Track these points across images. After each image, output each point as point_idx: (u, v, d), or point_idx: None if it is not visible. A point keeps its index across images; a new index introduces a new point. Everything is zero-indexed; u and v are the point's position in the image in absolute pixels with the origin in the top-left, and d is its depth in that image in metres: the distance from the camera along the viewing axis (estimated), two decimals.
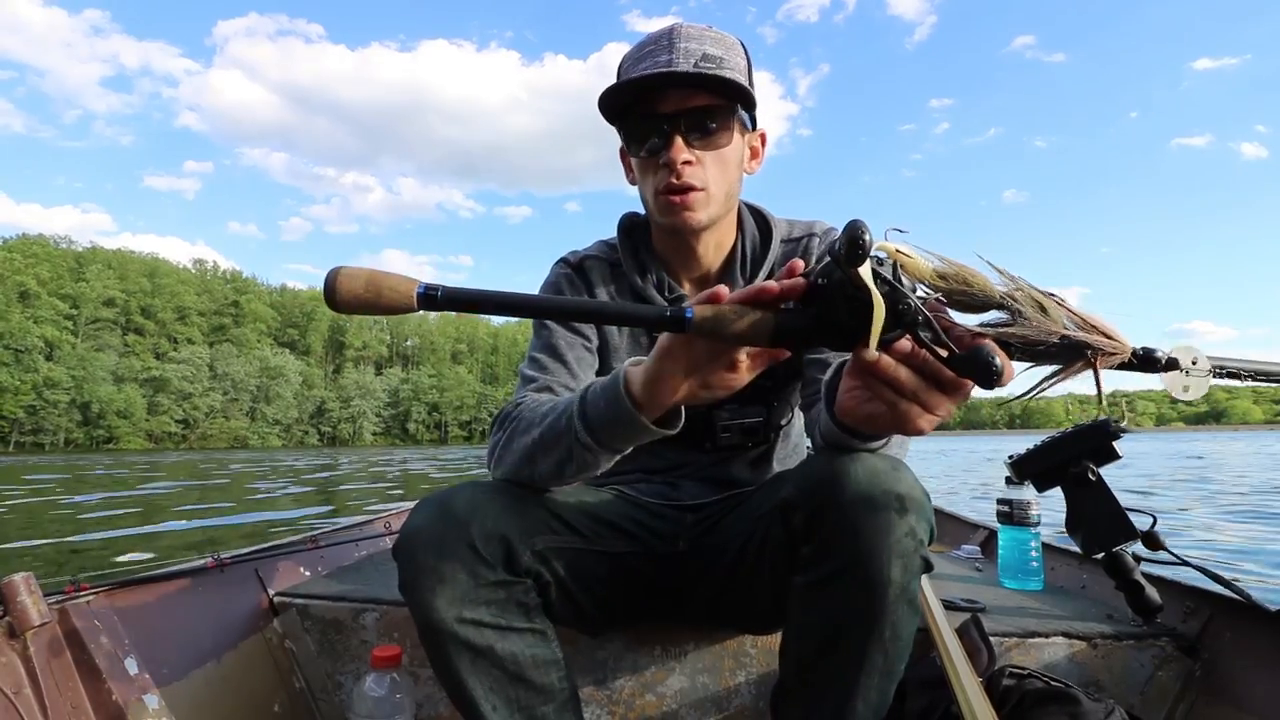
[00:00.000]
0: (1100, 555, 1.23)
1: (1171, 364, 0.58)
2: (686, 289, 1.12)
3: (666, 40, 0.95)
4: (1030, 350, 0.55)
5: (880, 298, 0.53)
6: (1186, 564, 1.22)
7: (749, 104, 0.99)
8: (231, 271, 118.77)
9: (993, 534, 1.82)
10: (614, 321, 0.63)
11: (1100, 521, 1.23)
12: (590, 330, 1.12)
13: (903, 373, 0.57)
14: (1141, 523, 1.22)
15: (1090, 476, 1.24)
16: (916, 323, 0.55)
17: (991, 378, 0.52)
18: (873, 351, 0.55)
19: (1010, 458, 1.35)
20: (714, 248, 1.10)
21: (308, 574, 1.45)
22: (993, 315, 0.57)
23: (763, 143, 1.09)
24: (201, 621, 1.18)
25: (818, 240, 1.13)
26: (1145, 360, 0.57)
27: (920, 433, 0.59)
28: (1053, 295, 0.56)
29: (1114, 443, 1.24)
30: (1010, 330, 0.55)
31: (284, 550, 1.43)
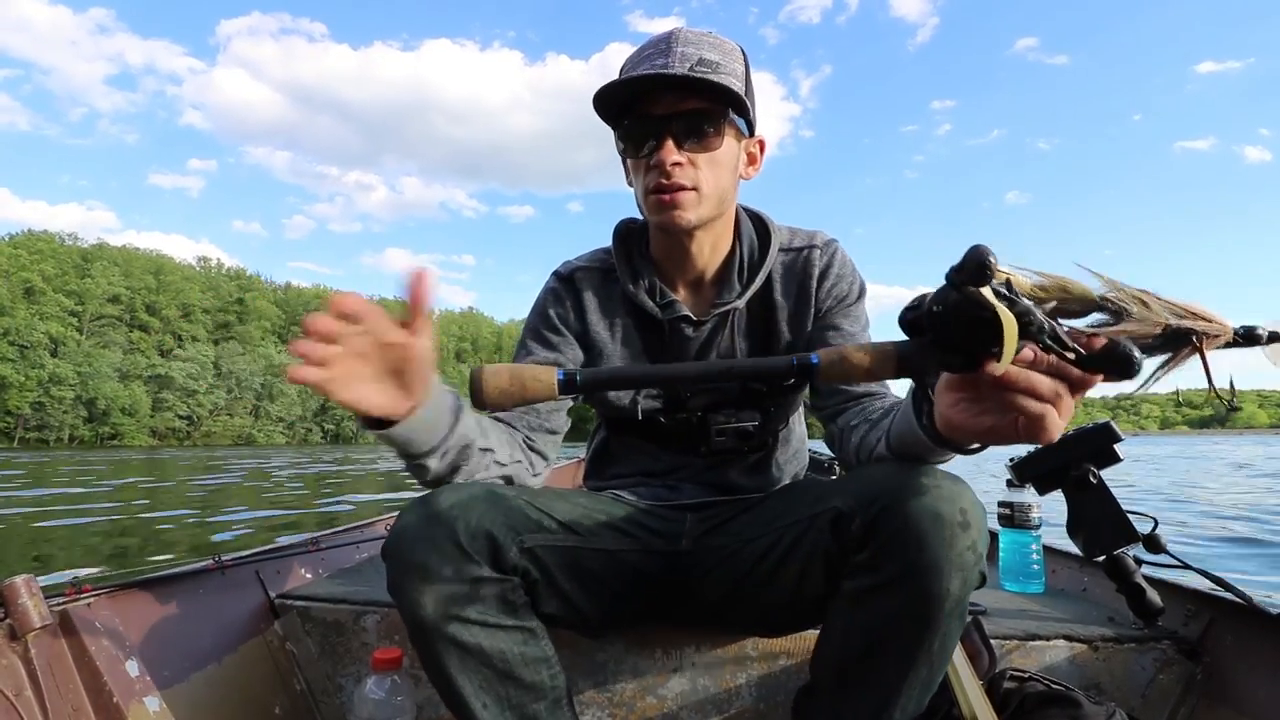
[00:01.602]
0: (1101, 558, 1.23)
1: (1274, 338, 0.60)
2: (681, 293, 1.13)
3: (665, 44, 0.97)
4: (1139, 344, 0.57)
5: (1009, 315, 0.55)
6: (1188, 567, 1.22)
7: (743, 110, 0.99)
8: (236, 269, 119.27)
9: (994, 536, 1.81)
10: (747, 378, 0.71)
11: (1101, 524, 1.22)
12: (568, 347, 1.14)
13: (1038, 379, 0.58)
14: (1143, 526, 1.22)
15: (1091, 479, 1.23)
16: (1043, 331, 0.56)
17: (1133, 368, 0.55)
18: (1004, 365, 0.56)
19: (1011, 460, 1.34)
20: (709, 250, 1.09)
21: (309, 576, 1.45)
22: (1094, 318, 0.60)
23: (761, 149, 1.10)
24: (202, 624, 1.18)
25: (819, 252, 1.12)
26: (1248, 338, 0.59)
27: (1052, 439, 0.59)
28: (1147, 291, 0.59)
29: (1115, 445, 1.24)
30: (1118, 328, 0.57)
31: (285, 552, 1.43)
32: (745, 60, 1.02)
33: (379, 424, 0.79)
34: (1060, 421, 0.58)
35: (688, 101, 0.96)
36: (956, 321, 0.58)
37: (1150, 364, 0.58)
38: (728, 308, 1.09)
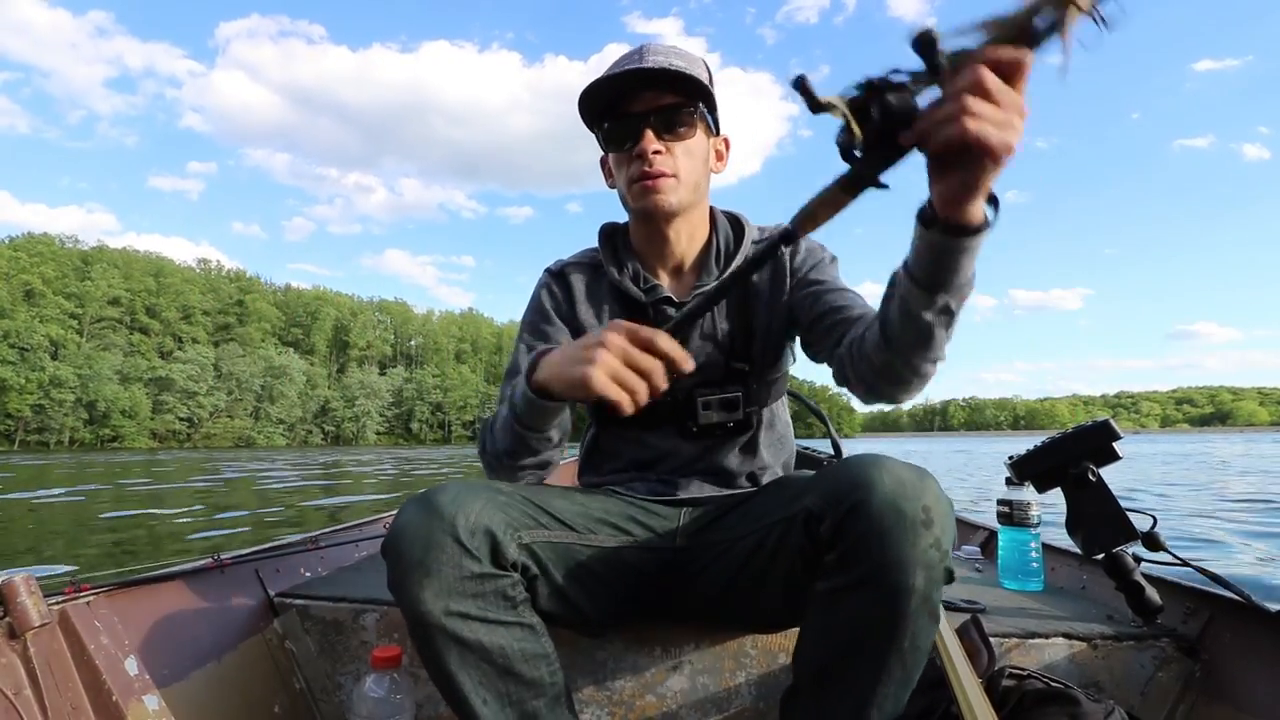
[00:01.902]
0: (1100, 556, 1.23)
1: None
2: (663, 279, 1.21)
3: (638, 54, 1.09)
4: (1016, 37, 0.59)
5: (832, 97, 0.64)
6: (1186, 564, 1.22)
7: (711, 105, 1.12)
8: (236, 271, 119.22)
9: (993, 535, 1.82)
10: (747, 273, 0.80)
11: (1100, 522, 1.23)
12: (561, 335, 1.22)
13: (937, 110, 0.62)
14: (1141, 523, 1.22)
15: (1090, 477, 1.24)
16: (886, 83, 0.64)
17: (913, 36, 0.60)
18: (909, 137, 0.64)
19: (1010, 459, 1.35)
20: (685, 238, 1.19)
21: (308, 574, 1.45)
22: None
23: (726, 147, 1.22)
24: (202, 622, 1.18)
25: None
26: None
27: (1000, 139, 0.61)
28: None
29: (1114, 444, 1.24)
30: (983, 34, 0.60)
31: (284, 550, 1.43)
32: (708, 69, 1.13)
33: (547, 394, 0.91)
34: (981, 122, 0.60)
35: (663, 98, 1.07)
36: (850, 141, 0.66)
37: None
38: (705, 288, 1.15)
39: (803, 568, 0.89)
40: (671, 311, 1.17)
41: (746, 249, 1.19)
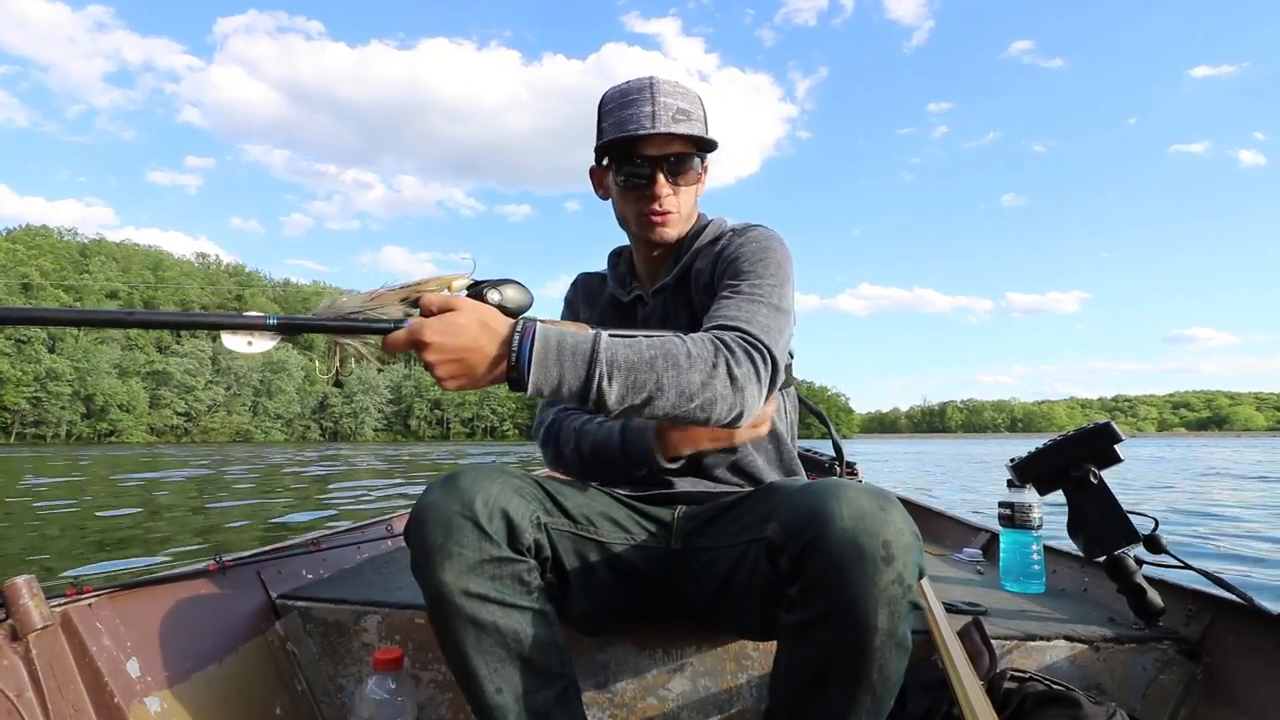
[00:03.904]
0: (1102, 558, 1.23)
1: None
2: (646, 283, 1.34)
3: (649, 93, 1.15)
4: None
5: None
6: (1188, 567, 1.22)
7: (710, 149, 1.22)
8: (234, 265, 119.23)
9: (994, 537, 1.82)
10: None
11: (1102, 524, 1.23)
12: None
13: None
14: (1143, 526, 1.22)
15: (1092, 480, 1.24)
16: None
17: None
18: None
19: (1012, 461, 1.35)
20: (669, 248, 1.29)
21: (310, 576, 1.45)
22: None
23: (705, 169, 1.29)
24: (203, 624, 1.18)
25: (733, 234, 1.23)
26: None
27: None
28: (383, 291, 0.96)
29: (1115, 446, 1.24)
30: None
31: (286, 552, 1.43)
32: (703, 106, 1.23)
33: None
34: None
35: (673, 145, 1.16)
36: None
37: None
38: (661, 284, 1.28)
39: (772, 595, 0.90)
40: (642, 308, 1.31)
41: (701, 243, 1.26)
